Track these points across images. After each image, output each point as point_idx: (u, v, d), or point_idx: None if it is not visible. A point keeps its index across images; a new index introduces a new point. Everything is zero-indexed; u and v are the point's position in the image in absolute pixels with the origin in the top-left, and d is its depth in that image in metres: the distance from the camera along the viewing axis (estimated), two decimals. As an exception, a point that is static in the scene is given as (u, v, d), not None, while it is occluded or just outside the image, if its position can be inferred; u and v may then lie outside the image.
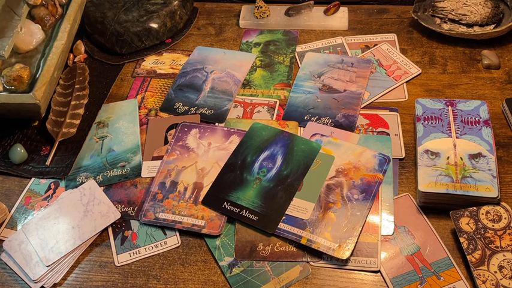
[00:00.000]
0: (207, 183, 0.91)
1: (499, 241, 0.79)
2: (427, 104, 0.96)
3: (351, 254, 0.80)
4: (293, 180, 0.89)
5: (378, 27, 1.22)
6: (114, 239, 0.86)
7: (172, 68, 1.15)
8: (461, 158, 0.86)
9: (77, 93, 1.07)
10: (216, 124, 1.02)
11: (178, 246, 0.85)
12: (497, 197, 0.81)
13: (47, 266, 0.82)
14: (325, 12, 1.24)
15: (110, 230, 0.88)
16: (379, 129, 0.98)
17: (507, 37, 1.14)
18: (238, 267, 0.81)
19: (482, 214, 0.81)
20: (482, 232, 0.80)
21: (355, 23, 1.23)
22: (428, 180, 0.84)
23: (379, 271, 0.80)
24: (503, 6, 1.18)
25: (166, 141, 0.99)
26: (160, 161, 0.95)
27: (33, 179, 0.96)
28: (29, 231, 0.86)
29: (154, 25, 1.18)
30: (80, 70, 1.12)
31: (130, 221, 0.89)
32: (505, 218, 0.81)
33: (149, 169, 0.95)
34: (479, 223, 0.80)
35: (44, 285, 0.81)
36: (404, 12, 1.25)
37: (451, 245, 0.82)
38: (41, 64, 1.02)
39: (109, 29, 1.17)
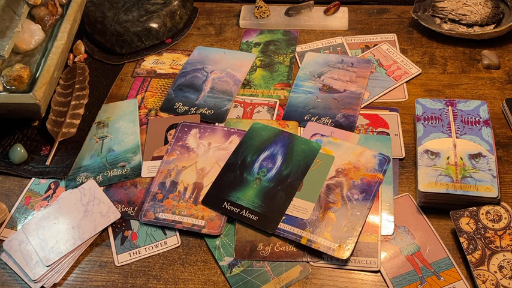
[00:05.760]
0: (207, 183, 0.91)
1: (499, 241, 0.79)
2: (427, 104, 0.96)
3: (351, 254, 0.80)
4: (293, 180, 0.89)
5: (378, 27, 1.22)
6: (114, 239, 0.86)
7: (172, 68, 1.15)
8: (461, 158, 0.86)
9: (77, 93, 1.07)
10: (216, 124, 1.02)
11: (178, 246, 0.85)
12: (497, 197, 0.81)
13: (47, 266, 0.82)
14: (325, 12, 1.24)
15: (110, 230, 0.88)
16: (379, 129, 0.98)
17: (507, 37, 1.14)
18: (238, 267, 0.81)
19: (482, 214, 0.81)
20: (482, 232, 0.80)
21: (355, 23, 1.23)
22: (428, 180, 0.84)
23: (379, 271, 0.80)
24: (503, 6, 1.18)
25: (166, 141, 0.99)
26: (160, 161, 0.95)
27: (33, 179, 0.96)
28: (29, 231, 0.86)
29: (154, 25, 1.18)
30: (80, 70, 1.12)
31: (130, 221, 0.89)
32: (505, 218, 0.81)
33: (149, 169, 0.95)
34: (479, 223, 0.80)
35: (44, 285, 0.81)
36: (404, 12, 1.25)
37: (451, 245, 0.82)
38: (41, 64, 1.03)
39: (109, 29, 1.17)
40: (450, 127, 0.91)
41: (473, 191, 0.82)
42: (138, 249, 0.85)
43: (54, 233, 0.85)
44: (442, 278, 0.78)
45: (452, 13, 1.17)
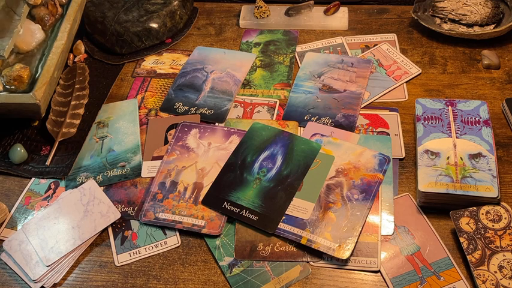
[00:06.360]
0: (207, 183, 0.91)
1: (499, 241, 0.79)
2: (427, 104, 0.96)
3: (351, 254, 0.80)
4: (293, 180, 0.89)
5: (378, 27, 1.22)
6: (114, 239, 0.86)
7: (172, 68, 1.15)
8: (461, 158, 0.86)
9: (77, 93, 1.07)
10: (216, 124, 1.02)
11: (178, 246, 0.85)
12: (497, 197, 0.81)
13: (47, 266, 0.82)
14: (325, 12, 1.24)
15: (110, 230, 0.88)
16: (379, 129, 0.98)
17: (507, 37, 1.14)
18: (238, 267, 0.81)
19: (482, 214, 0.81)
20: (482, 232, 0.80)
21: (355, 23, 1.23)
22: (428, 180, 0.84)
23: (379, 271, 0.80)
24: (503, 6, 1.18)
25: (166, 141, 0.99)
26: (160, 161, 0.95)
27: (33, 179, 0.96)
28: (29, 231, 0.86)
29: (154, 25, 1.18)
30: (80, 70, 1.12)
31: (130, 221, 0.89)
32: (505, 218, 0.81)
33: (149, 169, 0.95)
34: (479, 223, 0.80)
35: (44, 285, 0.81)
36: (404, 12, 1.25)
37: (451, 245, 0.82)
38: (41, 64, 1.03)
39: (109, 29, 1.17)
40: (450, 127, 0.91)
41: (473, 191, 0.82)
42: (138, 249, 0.85)
43: (54, 233, 0.85)
44: (442, 278, 0.78)
45: (452, 13, 1.17)
